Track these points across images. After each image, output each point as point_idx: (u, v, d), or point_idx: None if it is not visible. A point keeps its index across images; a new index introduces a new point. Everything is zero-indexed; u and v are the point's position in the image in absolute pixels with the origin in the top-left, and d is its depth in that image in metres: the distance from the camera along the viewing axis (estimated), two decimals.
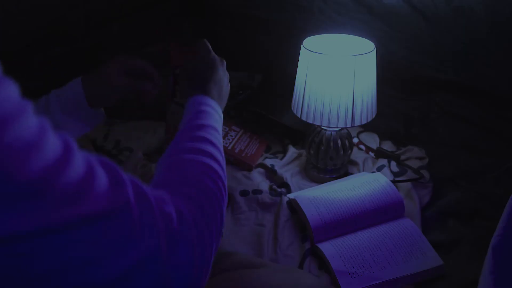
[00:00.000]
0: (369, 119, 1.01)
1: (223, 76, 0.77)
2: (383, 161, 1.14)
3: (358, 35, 1.03)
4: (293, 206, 1.00)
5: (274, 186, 1.08)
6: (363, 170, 1.14)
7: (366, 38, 1.01)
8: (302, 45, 0.99)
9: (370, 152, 1.19)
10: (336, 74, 0.95)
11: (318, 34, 1.04)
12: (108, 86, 0.73)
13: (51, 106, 0.73)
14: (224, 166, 0.60)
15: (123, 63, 0.74)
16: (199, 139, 0.60)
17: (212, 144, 0.60)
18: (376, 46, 0.97)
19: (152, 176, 1.08)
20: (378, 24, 1.14)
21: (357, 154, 1.19)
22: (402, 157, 1.15)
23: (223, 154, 0.61)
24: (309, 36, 1.02)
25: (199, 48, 0.77)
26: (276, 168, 1.14)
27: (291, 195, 1.02)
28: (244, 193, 1.04)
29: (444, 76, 1.13)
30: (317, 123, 1.00)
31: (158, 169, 0.60)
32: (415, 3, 1.07)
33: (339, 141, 1.07)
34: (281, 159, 1.19)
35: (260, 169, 1.15)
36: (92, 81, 0.73)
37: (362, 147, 1.21)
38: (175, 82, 0.77)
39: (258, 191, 1.05)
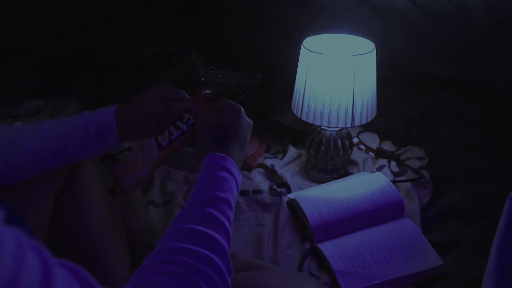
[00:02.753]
0: (369, 119, 1.01)
1: (247, 135, 0.72)
2: (383, 161, 1.14)
3: (359, 32, 1.03)
4: (293, 206, 1.00)
5: (274, 186, 1.08)
6: (363, 170, 1.14)
7: (367, 36, 1.01)
8: (302, 45, 0.99)
9: (370, 152, 1.19)
10: (336, 74, 0.95)
11: (319, 32, 1.04)
12: (144, 113, 0.72)
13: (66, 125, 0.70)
14: (228, 246, 0.57)
15: (157, 92, 0.74)
16: (208, 222, 0.57)
17: (220, 227, 0.57)
18: (376, 45, 0.97)
19: (152, 177, 1.10)
20: (380, 21, 1.14)
21: (357, 154, 1.19)
22: (402, 157, 1.15)
23: (229, 233, 0.58)
24: (309, 35, 1.02)
25: (225, 107, 0.72)
26: (276, 168, 1.14)
27: (291, 195, 1.02)
28: (244, 193, 1.04)
29: (444, 76, 1.13)
30: (317, 123, 0.99)
31: (165, 234, 0.57)
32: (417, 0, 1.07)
33: (339, 141, 1.07)
34: (281, 159, 1.19)
35: (260, 169, 1.15)
36: (126, 110, 0.72)
37: (362, 147, 1.21)
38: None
39: (258, 191, 1.05)
